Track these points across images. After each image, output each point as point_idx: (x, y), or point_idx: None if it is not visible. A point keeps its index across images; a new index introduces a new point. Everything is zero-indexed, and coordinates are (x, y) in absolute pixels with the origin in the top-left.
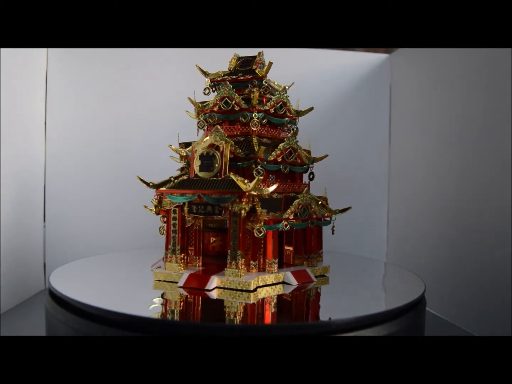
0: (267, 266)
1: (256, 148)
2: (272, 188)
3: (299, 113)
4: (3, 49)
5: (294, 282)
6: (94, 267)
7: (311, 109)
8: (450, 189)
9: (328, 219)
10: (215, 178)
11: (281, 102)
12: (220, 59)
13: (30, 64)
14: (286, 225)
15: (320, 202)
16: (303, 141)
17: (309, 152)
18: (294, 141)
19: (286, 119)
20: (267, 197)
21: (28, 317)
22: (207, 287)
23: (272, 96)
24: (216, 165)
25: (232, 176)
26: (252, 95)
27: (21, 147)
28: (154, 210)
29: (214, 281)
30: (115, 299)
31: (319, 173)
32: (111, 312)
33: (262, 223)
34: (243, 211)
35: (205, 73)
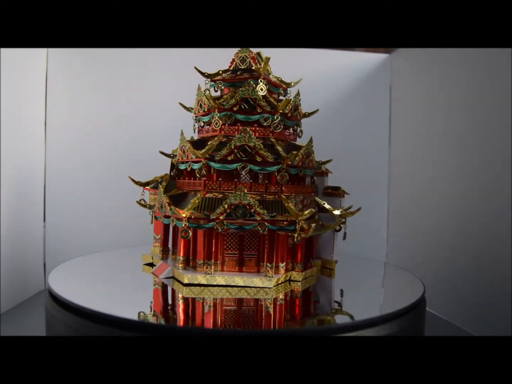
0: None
1: (284, 154)
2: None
3: (305, 115)
4: (3, 49)
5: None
6: (93, 265)
7: (317, 111)
8: (450, 189)
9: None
10: None
11: (295, 105)
12: (220, 58)
13: (30, 64)
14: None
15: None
16: (303, 141)
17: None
18: (311, 145)
19: (296, 121)
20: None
21: (28, 317)
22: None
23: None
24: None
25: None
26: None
27: (21, 147)
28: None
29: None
30: (114, 300)
31: None
32: (110, 315)
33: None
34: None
35: (204, 74)
